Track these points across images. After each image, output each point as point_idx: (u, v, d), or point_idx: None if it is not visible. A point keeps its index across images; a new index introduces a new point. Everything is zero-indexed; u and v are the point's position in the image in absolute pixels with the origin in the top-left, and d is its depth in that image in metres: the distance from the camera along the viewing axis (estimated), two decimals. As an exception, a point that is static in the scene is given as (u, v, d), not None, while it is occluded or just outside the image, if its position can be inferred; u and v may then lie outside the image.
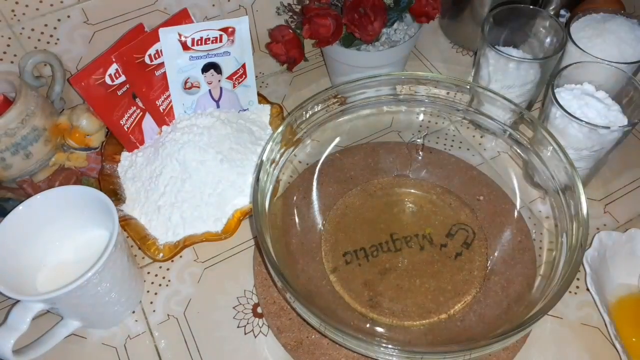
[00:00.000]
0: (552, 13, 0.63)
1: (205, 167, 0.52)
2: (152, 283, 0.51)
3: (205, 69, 0.56)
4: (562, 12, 0.67)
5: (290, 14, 0.59)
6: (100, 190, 0.46)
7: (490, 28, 0.55)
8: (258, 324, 0.48)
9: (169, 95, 0.57)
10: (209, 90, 0.58)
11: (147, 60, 0.54)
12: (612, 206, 0.56)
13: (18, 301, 0.41)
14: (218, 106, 0.59)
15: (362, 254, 0.51)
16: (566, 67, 0.51)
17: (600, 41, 0.54)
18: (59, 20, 0.53)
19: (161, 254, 0.50)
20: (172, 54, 0.55)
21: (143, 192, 0.54)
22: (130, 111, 0.56)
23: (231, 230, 0.51)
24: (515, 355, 0.45)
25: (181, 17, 0.56)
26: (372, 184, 0.56)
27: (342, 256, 0.51)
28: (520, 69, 0.53)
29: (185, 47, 0.55)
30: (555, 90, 0.49)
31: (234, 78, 0.58)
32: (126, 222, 0.51)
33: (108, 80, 0.53)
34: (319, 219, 0.54)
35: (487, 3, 0.64)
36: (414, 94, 0.54)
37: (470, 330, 0.46)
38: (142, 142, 0.57)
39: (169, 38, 0.54)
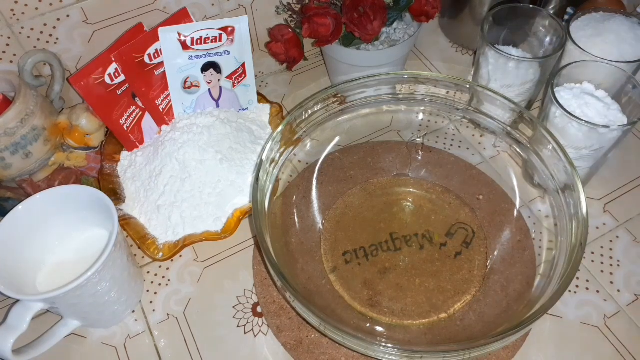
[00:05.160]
0: (552, 12, 0.63)
1: (204, 166, 0.52)
2: (152, 282, 0.51)
3: (205, 68, 0.56)
4: (569, 10, 0.67)
5: (290, 13, 0.59)
6: (100, 189, 0.46)
7: (489, 27, 0.55)
8: (258, 323, 0.48)
9: (168, 95, 0.56)
10: (209, 90, 0.58)
11: (146, 59, 0.54)
12: (612, 205, 0.56)
13: (18, 301, 0.41)
14: (218, 105, 0.59)
15: (362, 253, 0.51)
16: (566, 66, 0.51)
17: (600, 40, 0.54)
18: (58, 19, 0.53)
19: (161, 254, 0.50)
20: (171, 53, 0.54)
21: (143, 191, 0.53)
22: (130, 110, 0.55)
23: (231, 229, 0.51)
24: (515, 354, 0.45)
25: (181, 17, 0.56)
26: (371, 183, 0.56)
27: (342, 255, 0.51)
28: (519, 68, 0.53)
29: (184, 46, 0.54)
30: (554, 90, 0.49)
31: (233, 77, 0.58)
32: (126, 222, 0.51)
33: (107, 80, 0.53)
34: (318, 219, 0.54)
35: (487, 2, 0.64)
36: (414, 93, 0.54)
37: (470, 330, 0.46)
38: (141, 142, 0.57)
39: (168, 37, 0.54)
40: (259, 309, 0.49)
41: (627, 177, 0.58)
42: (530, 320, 0.38)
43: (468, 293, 0.48)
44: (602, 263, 0.51)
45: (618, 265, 0.51)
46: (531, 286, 0.47)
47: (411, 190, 0.56)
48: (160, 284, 0.51)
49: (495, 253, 0.51)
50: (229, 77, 0.58)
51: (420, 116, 0.58)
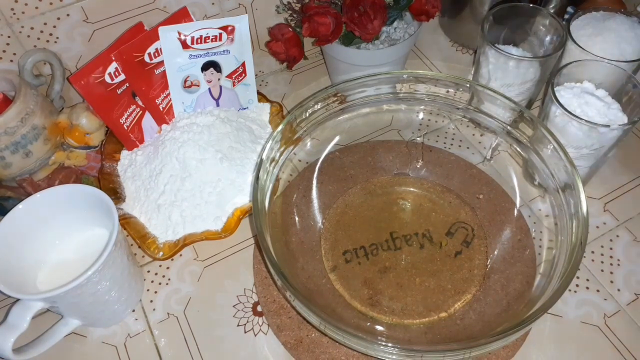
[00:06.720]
0: (552, 11, 0.63)
1: (205, 165, 0.52)
2: (152, 282, 0.51)
3: (205, 67, 0.56)
4: (569, 9, 0.67)
5: (290, 12, 0.59)
6: (100, 189, 0.46)
7: (490, 26, 0.55)
8: (258, 322, 0.48)
9: (168, 94, 0.56)
10: (209, 89, 0.58)
11: (146, 58, 0.54)
12: (612, 204, 0.56)
13: (18, 300, 0.41)
14: (218, 105, 0.59)
15: (362, 252, 0.51)
16: (566, 65, 0.51)
17: (600, 39, 0.54)
18: (58, 18, 0.53)
19: (161, 253, 0.50)
20: (171, 52, 0.54)
21: (143, 190, 0.53)
22: (130, 110, 0.55)
23: (231, 228, 0.51)
24: (515, 353, 0.45)
25: (181, 16, 0.56)
26: (371, 182, 0.56)
27: (342, 254, 0.51)
28: (520, 68, 0.53)
29: (184, 45, 0.54)
30: (555, 89, 0.49)
31: (233, 76, 0.58)
32: (126, 221, 0.51)
33: (107, 79, 0.53)
34: (318, 218, 0.54)
35: (487, 1, 0.64)
36: (414, 92, 0.54)
37: (470, 329, 0.46)
38: (141, 141, 0.57)
39: (168, 36, 0.54)
40: (259, 308, 0.49)
41: (627, 176, 0.58)
42: (530, 319, 0.38)
43: (468, 292, 0.48)
44: (602, 262, 0.51)
45: (618, 265, 0.51)
46: (531, 285, 0.47)
47: (411, 189, 0.56)
48: (160, 283, 0.51)
49: (496, 252, 0.51)
50: (229, 76, 0.58)
51: (421, 115, 0.58)
